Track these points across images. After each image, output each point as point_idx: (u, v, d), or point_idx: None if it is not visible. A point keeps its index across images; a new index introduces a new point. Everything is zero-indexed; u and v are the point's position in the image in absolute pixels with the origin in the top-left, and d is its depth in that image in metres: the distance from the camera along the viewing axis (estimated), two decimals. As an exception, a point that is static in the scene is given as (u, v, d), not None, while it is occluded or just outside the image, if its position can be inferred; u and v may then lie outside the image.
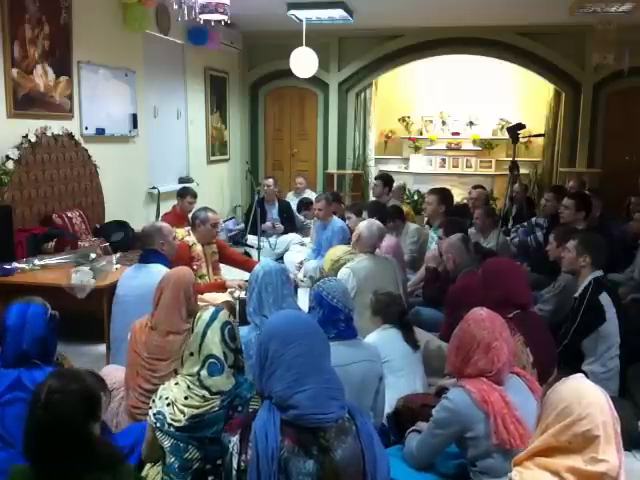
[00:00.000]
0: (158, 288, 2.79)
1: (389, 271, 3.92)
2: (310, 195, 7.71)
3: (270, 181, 7.22)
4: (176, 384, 2.02)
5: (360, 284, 3.65)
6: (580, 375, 1.68)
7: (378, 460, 1.66)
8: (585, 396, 1.58)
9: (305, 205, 7.18)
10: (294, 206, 7.53)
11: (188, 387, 1.99)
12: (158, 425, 1.95)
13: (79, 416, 1.68)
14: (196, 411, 1.95)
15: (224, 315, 2.10)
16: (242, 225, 7.53)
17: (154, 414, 1.97)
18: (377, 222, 4.12)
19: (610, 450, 1.54)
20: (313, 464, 1.57)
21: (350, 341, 2.49)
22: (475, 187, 6.65)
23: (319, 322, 2.42)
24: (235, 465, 1.61)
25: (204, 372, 1.99)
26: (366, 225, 4.02)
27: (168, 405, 1.97)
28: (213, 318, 2.07)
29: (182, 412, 1.95)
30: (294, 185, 8.29)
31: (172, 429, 1.94)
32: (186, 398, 1.97)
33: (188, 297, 2.78)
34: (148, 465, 2.08)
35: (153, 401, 2.01)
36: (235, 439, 1.63)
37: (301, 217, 7.41)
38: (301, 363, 1.65)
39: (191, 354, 2.04)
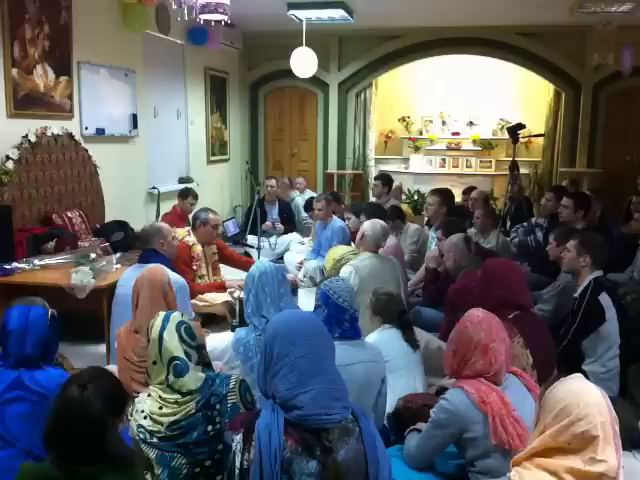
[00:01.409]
0: (134, 291, 2.80)
1: (392, 271, 3.92)
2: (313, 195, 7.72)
3: (273, 181, 7.25)
4: (149, 396, 2.01)
5: (362, 282, 3.65)
6: (578, 375, 1.68)
7: (380, 461, 1.65)
8: (583, 396, 1.58)
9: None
10: (301, 202, 7.54)
11: (160, 397, 1.98)
12: (141, 437, 1.94)
13: (109, 409, 1.70)
14: (173, 418, 1.94)
15: (176, 316, 2.09)
16: (238, 229, 7.53)
17: (136, 427, 1.96)
18: (381, 221, 4.14)
19: (609, 450, 1.54)
20: (316, 465, 1.57)
21: (354, 341, 2.49)
22: (467, 190, 6.68)
23: (324, 321, 2.43)
24: (238, 464, 1.60)
25: (171, 376, 1.98)
26: (370, 225, 4.03)
27: (145, 418, 1.96)
28: (166, 321, 2.06)
29: (160, 422, 1.94)
30: (295, 185, 8.29)
31: (155, 440, 1.93)
32: (160, 408, 1.96)
33: (165, 294, 2.79)
34: (145, 471, 2.07)
35: (131, 415, 1.99)
36: (238, 438, 1.63)
37: (306, 215, 7.41)
38: (305, 363, 1.64)
39: (154, 363, 2.02)
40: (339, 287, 2.52)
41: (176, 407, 1.95)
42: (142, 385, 2.60)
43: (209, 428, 1.93)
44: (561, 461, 1.57)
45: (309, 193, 7.99)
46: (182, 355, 2.00)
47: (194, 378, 1.99)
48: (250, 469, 1.58)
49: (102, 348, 4.02)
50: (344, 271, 3.78)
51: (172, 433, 1.93)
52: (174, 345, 2.01)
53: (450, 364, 2.28)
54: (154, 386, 2.02)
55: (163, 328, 2.04)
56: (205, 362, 2.07)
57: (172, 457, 1.92)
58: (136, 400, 2.04)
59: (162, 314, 2.12)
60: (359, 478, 1.63)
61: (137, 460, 2.00)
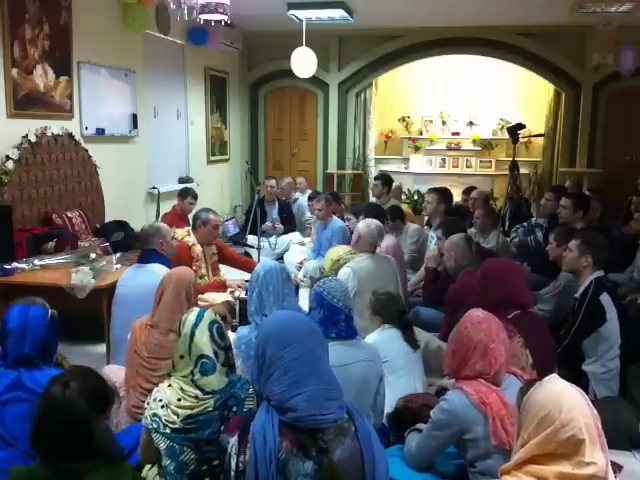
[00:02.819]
0: (160, 287, 2.82)
1: (389, 271, 3.92)
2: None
3: (273, 182, 7.25)
4: (169, 386, 2.02)
5: (361, 284, 3.65)
6: (554, 376, 1.66)
7: (377, 460, 1.65)
8: (564, 400, 1.57)
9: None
10: (304, 202, 7.56)
11: (181, 388, 1.99)
12: (154, 427, 1.95)
13: (92, 407, 1.70)
14: (190, 412, 1.95)
15: (210, 314, 2.10)
16: (238, 229, 7.54)
17: (150, 416, 1.97)
18: (375, 221, 4.11)
19: (596, 451, 1.54)
20: (312, 465, 1.57)
21: (350, 341, 2.49)
22: (468, 190, 6.68)
23: (319, 322, 2.43)
24: (234, 466, 1.60)
25: (197, 373, 1.99)
26: (365, 224, 4.02)
27: (162, 407, 1.97)
28: (200, 318, 2.07)
29: (176, 414, 1.95)
30: (294, 185, 8.30)
31: (168, 430, 1.94)
32: (179, 400, 1.97)
33: (189, 296, 2.81)
34: (148, 466, 2.08)
35: (148, 403, 2.01)
36: (234, 440, 1.63)
37: (310, 216, 7.43)
38: (299, 365, 1.64)
39: (181, 357, 2.04)
40: (333, 287, 2.52)
41: (195, 402, 1.97)
42: (147, 380, 2.62)
43: (222, 428, 1.94)
44: (550, 467, 1.56)
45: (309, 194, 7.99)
46: (211, 354, 2.01)
47: (218, 380, 2.01)
48: (246, 471, 1.58)
49: (102, 348, 4.01)
50: (342, 273, 3.78)
51: (186, 426, 1.94)
52: (204, 343, 2.02)
53: (450, 364, 2.27)
54: (177, 378, 2.03)
55: (195, 325, 2.05)
56: (230, 364, 2.08)
57: (182, 451, 1.94)
58: (155, 389, 2.06)
59: (196, 310, 2.12)
60: (356, 477, 1.62)
61: (143, 456, 2.02)
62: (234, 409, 1.97)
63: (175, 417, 1.94)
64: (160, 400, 1.98)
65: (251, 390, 2.01)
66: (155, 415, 1.96)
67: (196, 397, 1.97)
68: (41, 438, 1.69)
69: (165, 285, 2.80)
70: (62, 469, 1.65)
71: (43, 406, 1.72)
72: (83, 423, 1.67)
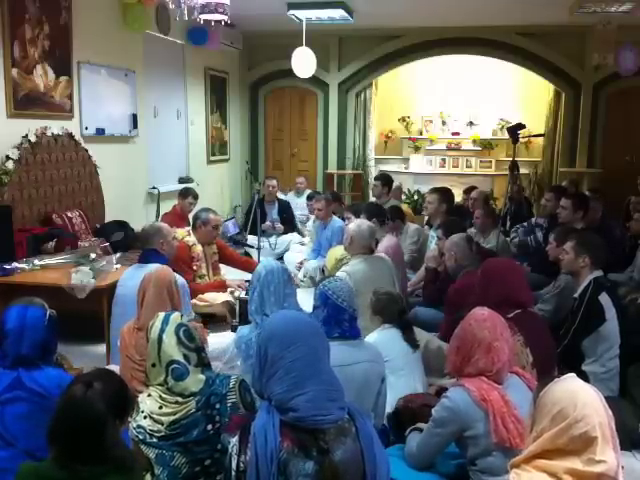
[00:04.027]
0: (140, 289, 2.83)
1: (385, 271, 3.91)
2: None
3: (274, 182, 7.25)
4: (149, 395, 2.01)
5: (357, 286, 3.61)
6: (572, 375, 1.67)
7: (378, 461, 1.65)
8: (579, 398, 1.57)
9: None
10: (297, 204, 7.56)
11: (160, 396, 1.98)
12: (140, 438, 1.94)
13: (111, 411, 1.70)
14: (173, 417, 1.94)
15: (176, 318, 2.09)
16: (238, 229, 7.55)
17: (134, 428, 1.96)
18: (366, 221, 4.09)
19: (608, 450, 1.54)
20: (313, 465, 1.57)
21: (353, 341, 2.49)
22: (468, 189, 6.69)
23: (323, 321, 2.44)
24: (234, 466, 1.60)
25: (170, 379, 1.98)
26: (355, 226, 3.98)
27: (145, 418, 1.96)
28: (165, 323, 2.06)
29: (160, 422, 1.94)
30: (294, 185, 8.30)
31: (154, 439, 1.93)
32: (160, 407, 1.96)
33: (171, 295, 2.81)
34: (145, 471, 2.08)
35: (131, 416, 2.00)
36: (234, 440, 1.63)
37: (301, 214, 7.43)
38: (300, 366, 1.64)
39: (153, 365, 2.03)
40: (338, 287, 2.52)
41: (177, 407, 1.96)
42: (142, 384, 2.61)
43: (209, 427, 1.94)
44: (560, 462, 1.57)
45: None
46: (181, 359, 2.00)
47: (195, 381, 1.99)
48: (246, 471, 1.58)
49: (102, 348, 4.02)
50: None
51: (172, 432, 1.93)
52: (172, 348, 2.01)
53: (453, 361, 2.28)
54: (154, 386, 2.02)
55: (162, 330, 2.04)
56: (204, 364, 2.07)
57: (172, 457, 1.93)
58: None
59: (161, 315, 2.11)
60: (357, 478, 1.62)
61: (137, 462, 2.01)
62: (217, 406, 1.96)
63: (159, 425, 1.93)
64: (142, 411, 1.97)
65: (232, 384, 2.00)
66: (139, 426, 1.95)
67: (177, 402, 1.96)
68: (57, 435, 1.68)
69: (145, 286, 2.80)
70: (75, 470, 1.65)
71: (63, 403, 1.72)
72: (99, 425, 1.66)
